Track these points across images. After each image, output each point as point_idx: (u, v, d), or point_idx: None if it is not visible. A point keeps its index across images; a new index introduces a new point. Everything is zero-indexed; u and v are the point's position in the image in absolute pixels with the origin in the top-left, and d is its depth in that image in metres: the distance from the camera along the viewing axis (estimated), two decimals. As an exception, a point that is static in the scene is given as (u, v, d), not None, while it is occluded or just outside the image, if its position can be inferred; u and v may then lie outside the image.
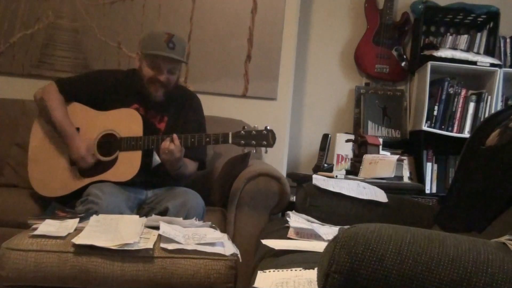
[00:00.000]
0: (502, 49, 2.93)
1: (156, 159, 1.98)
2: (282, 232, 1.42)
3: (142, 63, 1.98)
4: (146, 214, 1.79)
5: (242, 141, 1.83)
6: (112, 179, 1.90)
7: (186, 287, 1.34)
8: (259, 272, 1.04)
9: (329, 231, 1.41)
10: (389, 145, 2.84)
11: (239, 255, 1.40)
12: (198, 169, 2.13)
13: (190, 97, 2.19)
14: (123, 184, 1.89)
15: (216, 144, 1.89)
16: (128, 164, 1.91)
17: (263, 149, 1.87)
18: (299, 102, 3.05)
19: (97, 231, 1.39)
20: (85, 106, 2.02)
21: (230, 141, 1.84)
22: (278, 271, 1.03)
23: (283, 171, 2.68)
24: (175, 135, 1.84)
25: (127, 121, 1.96)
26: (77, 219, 1.49)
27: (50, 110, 1.97)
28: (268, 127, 1.85)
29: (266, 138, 1.83)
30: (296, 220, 1.47)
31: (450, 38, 2.98)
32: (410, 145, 2.93)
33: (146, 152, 1.94)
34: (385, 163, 2.27)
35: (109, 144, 1.95)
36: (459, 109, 2.82)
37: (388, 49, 3.01)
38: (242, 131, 1.84)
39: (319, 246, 1.18)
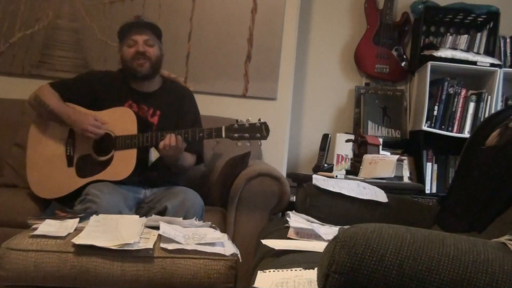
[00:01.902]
0: (502, 49, 2.93)
1: (152, 157, 1.98)
2: (282, 232, 1.42)
3: (122, 48, 2.06)
4: (145, 214, 1.79)
5: (235, 135, 1.84)
6: (109, 178, 1.90)
7: (186, 287, 1.34)
8: (259, 272, 1.04)
9: (329, 231, 1.41)
10: (389, 145, 2.84)
11: (239, 255, 1.40)
12: (197, 162, 2.13)
13: (182, 91, 2.20)
14: (121, 183, 1.90)
15: (209, 139, 1.90)
16: (124, 163, 1.91)
17: (258, 141, 1.87)
18: (299, 102, 3.05)
19: (97, 231, 1.39)
20: (79, 107, 2.02)
21: (223, 135, 1.84)
22: (278, 271, 1.03)
23: (283, 171, 2.68)
24: (173, 135, 1.84)
25: (121, 120, 1.96)
26: (77, 219, 1.49)
27: (46, 101, 1.97)
28: (261, 119, 1.85)
29: (260, 130, 1.84)
30: (296, 220, 1.47)
31: (450, 38, 2.98)
32: (410, 145, 2.93)
33: (141, 150, 1.94)
34: (385, 163, 2.27)
35: (105, 143, 1.96)
36: (459, 109, 2.82)
37: (388, 49, 3.01)
38: (235, 125, 1.85)
39: (319, 246, 1.18)
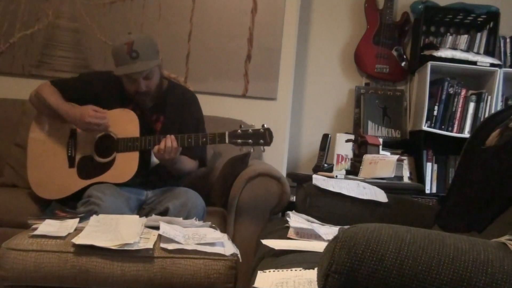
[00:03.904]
0: (502, 49, 2.93)
1: (154, 159, 1.98)
2: (282, 232, 1.42)
3: (119, 73, 1.93)
4: (147, 215, 1.78)
5: (239, 141, 1.82)
6: (111, 180, 1.89)
7: (186, 287, 1.34)
8: (259, 272, 1.04)
9: (329, 231, 1.41)
10: (389, 145, 2.84)
11: (239, 255, 1.40)
12: (200, 166, 2.12)
13: (186, 96, 2.16)
14: (122, 185, 1.89)
15: (213, 144, 1.88)
16: (126, 165, 1.90)
17: (261, 148, 1.86)
18: (299, 102, 3.05)
19: (97, 231, 1.39)
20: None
21: (226, 140, 1.82)
22: (278, 271, 1.03)
23: (283, 171, 2.68)
24: (173, 137, 1.82)
25: (123, 122, 1.94)
26: (77, 219, 1.49)
27: (46, 97, 1.96)
28: (265, 126, 1.83)
29: (263, 136, 1.82)
30: (296, 220, 1.47)
31: (450, 38, 2.98)
32: (410, 145, 2.93)
33: (143, 152, 1.93)
34: (385, 163, 2.27)
35: (106, 145, 1.95)
36: (459, 109, 2.82)
37: (388, 49, 3.01)
38: (238, 130, 1.82)
39: (319, 246, 1.18)
